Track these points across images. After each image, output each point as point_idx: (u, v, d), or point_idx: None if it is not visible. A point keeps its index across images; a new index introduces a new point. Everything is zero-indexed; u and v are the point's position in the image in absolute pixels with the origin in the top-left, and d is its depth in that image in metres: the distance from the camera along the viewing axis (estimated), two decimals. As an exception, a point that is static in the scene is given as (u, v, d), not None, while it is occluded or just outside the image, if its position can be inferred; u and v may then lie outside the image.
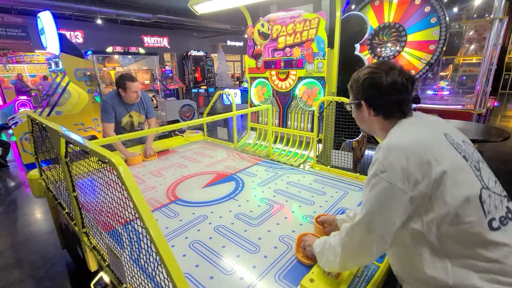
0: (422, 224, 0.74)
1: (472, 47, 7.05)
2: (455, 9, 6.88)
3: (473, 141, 4.18)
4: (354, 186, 1.81)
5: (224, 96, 6.30)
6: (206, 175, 2.07)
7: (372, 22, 5.08)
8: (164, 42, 15.33)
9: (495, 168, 3.88)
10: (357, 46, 2.35)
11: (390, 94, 0.83)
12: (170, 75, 12.36)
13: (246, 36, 2.78)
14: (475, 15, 6.77)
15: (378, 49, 5.14)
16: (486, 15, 5.69)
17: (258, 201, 1.66)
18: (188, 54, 16.10)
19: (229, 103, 5.96)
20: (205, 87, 15.94)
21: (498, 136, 1.86)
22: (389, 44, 5.00)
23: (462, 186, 0.72)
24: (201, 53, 16.57)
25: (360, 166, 2.60)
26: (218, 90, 3.22)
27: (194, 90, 16.39)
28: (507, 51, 11.23)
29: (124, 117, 2.53)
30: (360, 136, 2.59)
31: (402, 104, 0.85)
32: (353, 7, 5.26)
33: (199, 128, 3.27)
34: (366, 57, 5.34)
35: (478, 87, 4.56)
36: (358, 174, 1.94)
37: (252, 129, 3.01)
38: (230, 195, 1.74)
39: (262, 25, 2.60)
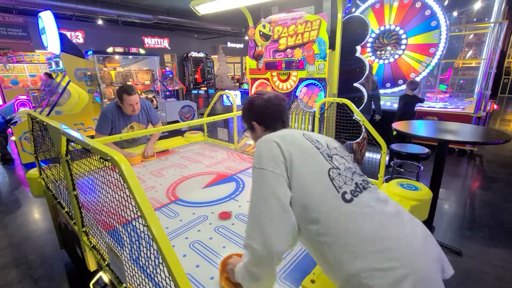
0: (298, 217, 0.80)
1: (472, 50, 7.08)
2: (455, 13, 6.93)
3: (473, 143, 4.20)
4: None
5: (224, 97, 6.31)
6: (206, 175, 2.07)
7: (373, 25, 5.11)
8: (165, 43, 15.36)
9: (495, 171, 3.87)
10: (358, 48, 2.36)
11: (272, 112, 1.08)
12: (170, 76, 12.37)
13: (247, 37, 2.79)
14: (474, 19, 6.81)
15: (378, 52, 5.16)
16: (486, 19, 5.71)
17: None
18: (189, 55, 16.13)
19: (230, 104, 5.98)
20: (205, 88, 15.96)
21: (498, 139, 1.87)
22: (389, 47, 5.02)
23: (309, 163, 0.84)
24: (201, 55, 16.60)
25: (361, 168, 2.59)
26: (218, 91, 3.22)
27: (194, 91, 16.41)
28: (507, 55, 11.29)
29: (124, 129, 2.44)
30: (360, 138, 2.59)
31: (282, 115, 1.09)
32: (353, 9, 5.29)
33: (200, 128, 3.26)
34: (367, 59, 5.37)
35: (478, 91, 4.58)
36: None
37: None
38: (230, 195, 1.73)
39: (264, 26, 2.61)
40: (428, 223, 2.30)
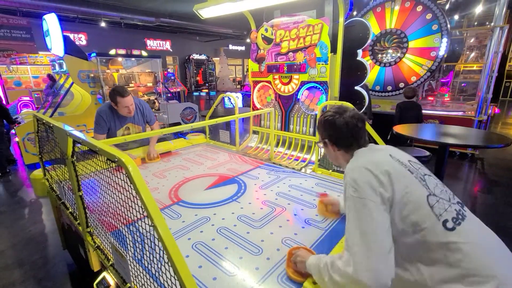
0: (397, 231, 0.85)
1: (473, 54, 7.10)
2: (456, 17, 6.95)
3: (474, 147, 4.20)
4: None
5: (226, 99, 6.33)
6: (208, 177, 2.08)
7: (374, 28, 5.14)
8: (167, 45, 15.45)
9: (496, 175, 3.84)
10: (360, 51, 2.38)
11: (345, 132, 1.04)
12: (172, 78, 12.43)
13: (249, 40, 2.82)
14: (475, 23, 6.83)
15: (380, 55, 5.18)
16: (487, 23, 5.73)
17: (260, 203, 1.66)
18: (190, 57, 16.21)
19: (231, 106, 5.98)
20: (206, 90, 16.01)
21: (498, 143, 1.88)
22: (390, 50, 5.05)
23: (407, 191, 0.85)
24: (203, 57, 16.68)
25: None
26: (220, 94, 3.25)
27: (195, 93, 16.46)
28: (508, 59, 11.30)
29: (119, 130, 2.43)
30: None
31: (356, 138, 1.04)
32: (354, 13, 5.32)
33: (202, 130, 3.28)
34: (368, 62, 5.39)
35: (479, 94, 4.59)
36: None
37: (254, 132, 3.03)
38: (232, 197, 1.75)
39: (266, 30, 2.64)
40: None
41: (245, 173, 2.16)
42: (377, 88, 5.27)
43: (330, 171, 2.10)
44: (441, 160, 2.16)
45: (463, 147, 4.29)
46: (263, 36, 2.67)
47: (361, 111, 2.56)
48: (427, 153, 2.75)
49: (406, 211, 0.84)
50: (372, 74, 5.28)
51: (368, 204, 0.83)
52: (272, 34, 2.60)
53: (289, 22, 2.46)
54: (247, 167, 2.28)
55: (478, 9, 7.35)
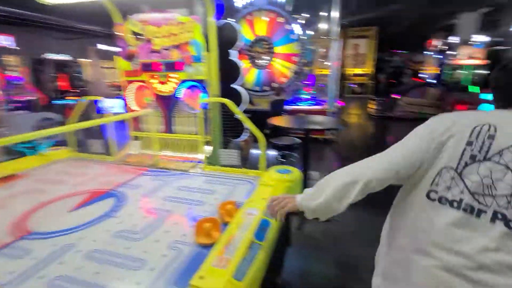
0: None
1: (325, 61, 8.95)
2: (311, 31, 8.59)
3: (329, 129, 5.33)
4: (241, 180, 1.91)
5: (102, 104, 5.45)
6: (74, 197, 1.70)
7: (248, 34, 5.63)
8: (8, 41, 11.83)
9: (348, 151, 4.93)
10: (234, 52, 2.52)
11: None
12: (20, 83, 9.64)
13: (115, 34, 2.50)
14: (321, 36, 8.60)
15: (256, 59, 5.74)
16: (327, 37, 7.31)
17: (144, 213, 1.50)
18: (45, 58, 13.04)
19: (109, 112, 5.20)
20: (75, 97, 13.28)
21: (344, 126, 2.49)
22: (263, 55, 5.67)
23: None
24: (64, 57, 13.76)
25: (248, 163, 2.79)
26: (85, 98, 2.75)
27: (58, 102, 13.38)
28: (344, 65, 14.92)
29: None
30: (247, 136, 2.78)
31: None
32: (227, 19, 5.68)
33: (63, 143, 2.67)
34: (247, 66, 5.86)
35: (328, 92, 5.87)
36: (245, 168, 2.07)
37: (136, 138, 2.72)
38: (108, 213, 1.49)
39: (134, 24, 2.41)
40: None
41: (124, 184, 1.89)
42: (257, 88, 5.82)
43: (218, 167, 2.14)
44: (305, 142, 2.58)
45: (319, 131, 5.26)
46: (130, 31, 2.43)
47: (240, 109, 2.74)
48: (298, 140, 3.25)
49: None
50: (251, 76, 5.78)
51: (429, 129, 0.81)
52: (142, 30, 2.40)
53: (159, 18, 2.33)
54: (127, 177, 2.01)
55: (324, 26, 9.45)
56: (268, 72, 5.77)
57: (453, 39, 8.92)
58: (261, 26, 5.58)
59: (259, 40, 5.60)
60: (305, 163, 2.58)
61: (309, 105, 6.16)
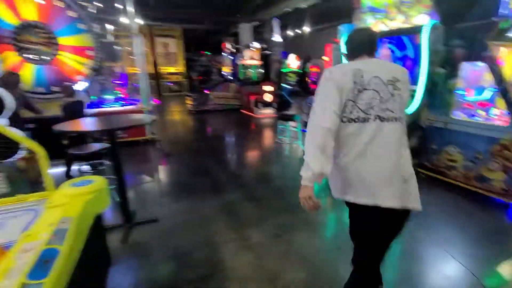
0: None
1: (136, 58, 8.25)
2: (107, 22, 7.57)
3: (138, 126, 5.08)
4: (16, 211, 1.41)
5: None
6: None
7: (7, 16, 4.13)
8: None
9: (170, 149, 4.95)
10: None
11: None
12: None
13: None
14: (121, 31, 7.89)
15: (28, 52, 4.35)
16: (129, 34, 6.80)
17: None
18: None
19: None
20: None
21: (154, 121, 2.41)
22: (39, 46, 4.39)
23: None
24: None
25: (42, 186, 2.13)
26: None
27: None
28: (157, 64, 14.73)
29: None
30: (25, 153, 2.08)
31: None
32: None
33: None
34: (17, 60, 4.36)
35: (141, 91, 5.61)
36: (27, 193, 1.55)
37: None
38: None
39: None
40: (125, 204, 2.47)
41: None
42: (41, 90, 4.47)
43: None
44: (113, 145, 2.30)
45: (126, 128, 4.90)
46: None
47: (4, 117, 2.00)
48: (107, 145, 2.84)
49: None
50: (27, 73, 4.35)
51: (331, 81, 1.16)
52: None
53: None
54: None
55: (125, 21, 8.58)
56: (55, 69, 4.59)
57: (239, 44, 11.13)
58: (28, 8, 4.27)
59: (28, 26, 4.26)
60: (117, 167, 2.30)
61: (121, 106, 5.58)
